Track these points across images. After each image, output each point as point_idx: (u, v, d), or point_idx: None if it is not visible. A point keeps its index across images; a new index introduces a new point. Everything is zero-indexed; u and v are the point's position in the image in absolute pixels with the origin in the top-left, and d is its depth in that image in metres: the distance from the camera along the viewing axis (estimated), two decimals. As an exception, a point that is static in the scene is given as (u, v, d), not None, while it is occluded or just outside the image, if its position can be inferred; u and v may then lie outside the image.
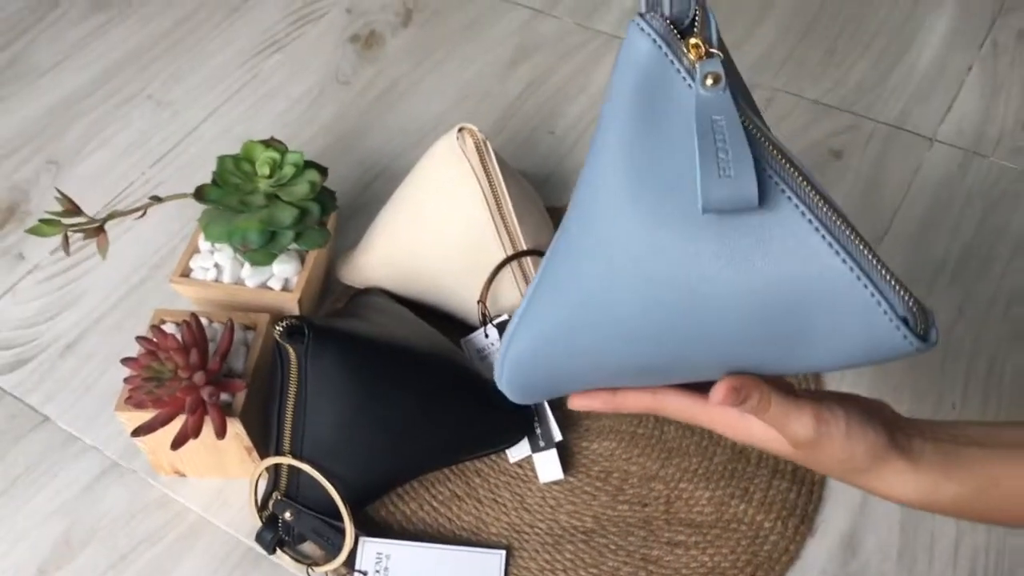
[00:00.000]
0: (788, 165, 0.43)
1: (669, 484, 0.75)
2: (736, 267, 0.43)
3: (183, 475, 0.78)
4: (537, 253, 0.80)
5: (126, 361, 0.69)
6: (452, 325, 0.81)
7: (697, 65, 0.43)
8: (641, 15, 0.43)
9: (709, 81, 0.43)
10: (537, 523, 0.74)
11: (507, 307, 0.79)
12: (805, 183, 0.43)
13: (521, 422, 0.75)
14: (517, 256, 0.78)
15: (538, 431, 0.75)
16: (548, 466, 0.75)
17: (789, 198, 0.43)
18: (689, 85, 0.43)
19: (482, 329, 0.78)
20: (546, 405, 0.76)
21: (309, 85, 1.10)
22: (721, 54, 0.43)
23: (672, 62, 0.43)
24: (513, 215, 0.78)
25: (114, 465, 0.79)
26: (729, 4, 1.15)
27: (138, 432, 0.68)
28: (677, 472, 0.76)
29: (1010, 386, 0.80)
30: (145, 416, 0.68)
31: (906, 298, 0.43)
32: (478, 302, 0.78)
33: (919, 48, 1.08)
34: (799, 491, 0.74)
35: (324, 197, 0.80)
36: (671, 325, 0.45)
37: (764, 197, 0.43)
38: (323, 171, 0.80)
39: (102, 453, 0.80)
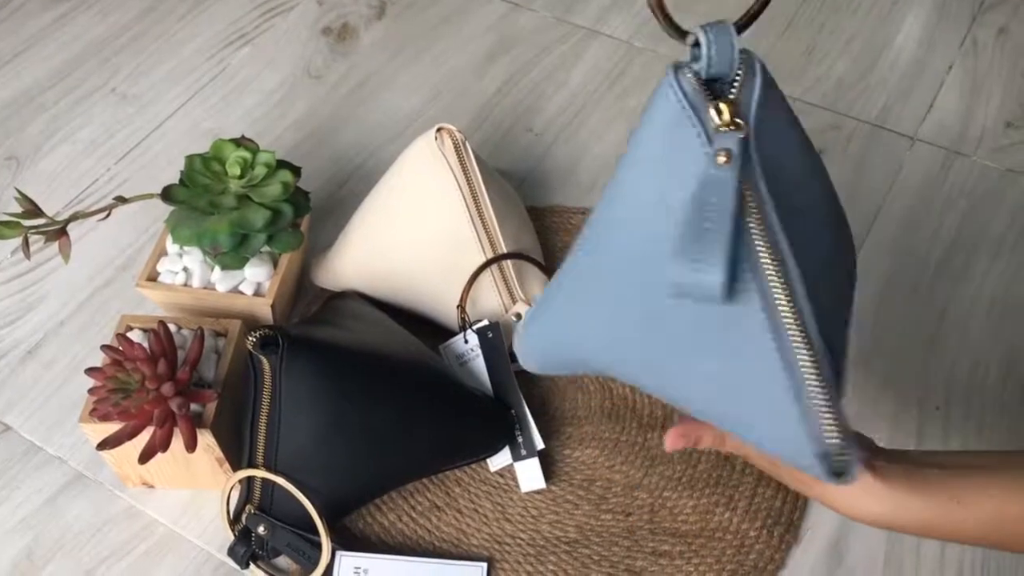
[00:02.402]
0: (776, 272, 0.41)
1: (653, 493, 0.74)
2: (699, 334, 0.43)
3: (151, 486, 0.75)
4: (518, 256, 0.78)
5: (91, 371, 0.66)
6: (430, 330, 0.79)
7: (721, 131, 0.40)
8: (677, 67, 0.41)
9: (721, 159, 0.40)
10: (519, 534, 0.72)
11: (487, 312, 0.77)
12: (785, 294, 0.41)
13: (502, 430, 0.74)
14: (497, 259, 0.76)
15: (520, 439, 0.74)
16: (530, 475, 0.74)
17: (760, 306, 0.41)
18: (705, 152, 0.41)
19: (461, 335, 0.76)
20: (528, 414, 0.74)
21: (280, 79, 1.07)
22: (739, 131, 0.40)
23: (693, 125, 0.41)
24: (493, 217, 0.76)
25: (79, 476, 0.76)
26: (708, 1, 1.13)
27: (104, 445, 0.65)
28: (661, 480, 0.74)
29: (993, 387, 0.80)
30: (111, 428, 0.66)
31: (832, 439, 0.42)
32: (457, 307, 0.76)
33: (899, 46, 1.07)
34: (784, 499, 0.73)
35: (297, 198, 0.78)
36: (650, 356, 0.46)
37: (734, 295, 0.41)
38: (296, 171, 0.77)
39: (66, 463, 0.77)
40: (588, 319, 0.48)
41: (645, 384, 0.49)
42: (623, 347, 0.47)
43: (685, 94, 0.41)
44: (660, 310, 0.43)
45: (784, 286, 0.41)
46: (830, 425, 0.42)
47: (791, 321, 0.41)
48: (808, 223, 0.44)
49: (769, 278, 0.41)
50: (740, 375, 0.43)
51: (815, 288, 0.42)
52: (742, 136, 0.40)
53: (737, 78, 0.41)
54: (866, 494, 0.51)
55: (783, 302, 0.41)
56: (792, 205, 0.42)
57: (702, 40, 0.40)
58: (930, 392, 0.80)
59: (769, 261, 0.41)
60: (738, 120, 0.40)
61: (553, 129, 1.01)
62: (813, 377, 0.41)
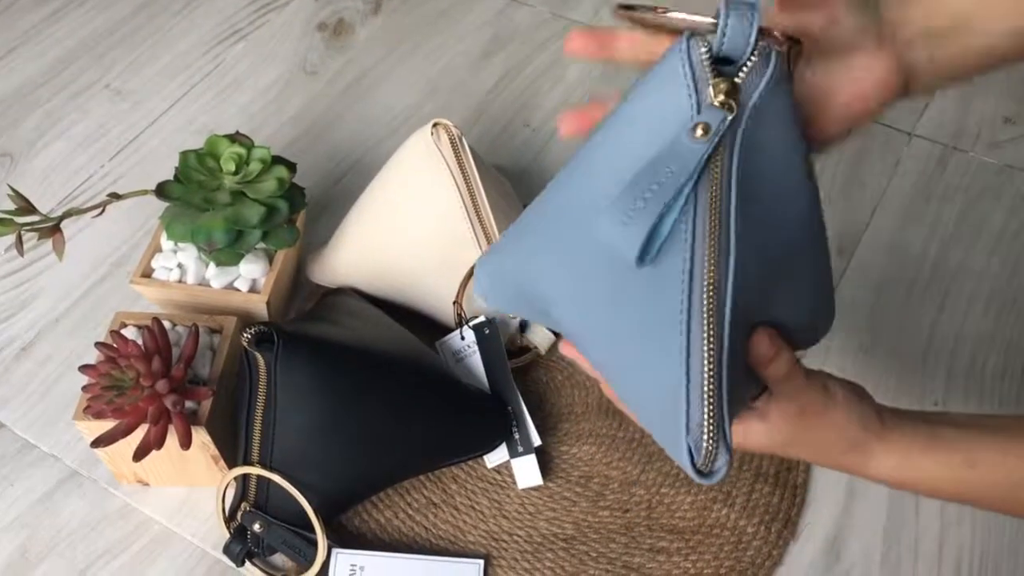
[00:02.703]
0: (712, 262, 0.40)
1: (650, 489, 0.73)
2: (621, 293, 0.43)
3: (146, 484, 0.75)
4: (514, 252, 0.77)
5: (84, 368, 0.66)
6: (426, 326, 0.78)
7: (713, 107, 0.40)
8: (691, 35, 0.41)
9: (699, 131, 0.40)
10: (516, 531, 0.72)
11: (483, 308, 0.77)
12: (711, 288, 0.40)
13: (499, 427, 0.73)
14: (494, 255, 0.76)
15: (516, 436, 0.73)
16: (527, 472, 0.73)
17: (682, 288, 0.40)
18: (689, 121, 0.40)
19: (458, 331, 0.76)
20: (525, 410, 0.74)
21: (275, 75, 1.06)
22: (729, 112, 0.40)
23: (690, 94, 0.41)
24: (489, 213, 0.76)
25: (73, 474, 0.76)
26: (705, -6, 1.13)
27: (98, 443, 0.65)
28: (659, 476, 0.74)
29: (991, 383, 0.80)
30: (106, 426, 0.65)
31: (705, 437, 0.41)
32: (453, 303, 0.76)
33: (897, 40, 1.07)
34: (782, 495, 0.73)
35: (293, 194, 0.77)
36: (580, 306, 0.46)
37: (658, 263, 0.41)
38: (291, 167, 0.77)
39: (61, 461, 0.77)
40: (542, 255, 0.46)
41: (574, 336, 0.48)
42: (563, 290, 0.46)
43: (691, 62, 0.41)
44: (599, 258, 0.43)
45: (714, 282, 0.40)
46: (710, 424, 0.41)
47: (709, 314, 0.40)
48: (770, 238, 0.43)
49: (705, 264, 0.40)
50: (645, 348, 0.42)
51: (746, 303, 0.41)
52: (730, 117, 0.40)
53: (749, 63, 0.40)
54: (883, 455, 0.49)
55: (709, 294, 0.40)
56: (760, 210, 0.42)
57: (721, 13, 0.40)
58: (928, 387, 0.79)
59: (709, 249, 0.40)
60: (731, 102, 0.40)
61: (550, 125, 1.00)
62: (709, 373, 0.40)
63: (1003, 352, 0.81)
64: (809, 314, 0.49)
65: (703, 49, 0.40)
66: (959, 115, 0.99)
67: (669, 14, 0.43)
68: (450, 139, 0.75)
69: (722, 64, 0.41)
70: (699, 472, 0.41)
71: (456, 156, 0.75)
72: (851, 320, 0.84)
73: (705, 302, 0.40)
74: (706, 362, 0.40)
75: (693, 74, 0.40)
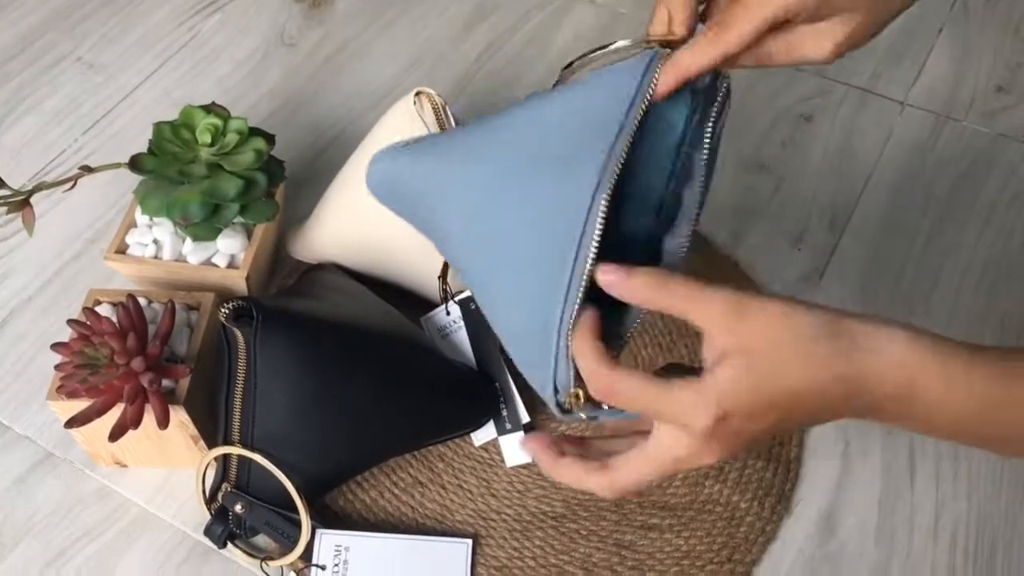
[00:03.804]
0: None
1: (642, 465, 0.72)
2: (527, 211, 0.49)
3: (124, 465, 0.73)
4: (501, 224, 0.75)
5: (57, 347, 0.64)
6: (411, 302, 0.76)
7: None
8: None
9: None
10: (505, 509, 0.70)
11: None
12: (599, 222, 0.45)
13: (486, 404, 0.72)
14: (480, 228, 0.74)
15: (504, 413, 0.72)
16: (515, 449, 0.72)
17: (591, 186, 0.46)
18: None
19: (443, 306, 0.74)
20: (512, 386, 0.72)
21: (252, 47, 1.03)
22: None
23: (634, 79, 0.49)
24: (475, 184, 0.74)
25: (48, 455, 0.74)
26: None
27: (72, 423, 0.63)
28: (650, 452, 0.72)
29: (985, 356, 0.78)
30: (80, 405, 0.63)
31: (572, 377, 0.46)
32: (438, 278, 0.74)
33: (888, 9, 1.05)
34: (775, 470, 0.72)
35: (271, 166, 0.75)
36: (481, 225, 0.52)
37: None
38: (269, 138, 0.75)
39: (35, 443, 0.75)
40: (458, 169, 0.53)
41: (460, 260, 0.54)
42: (467, 209, 0.52)
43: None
44: (519, 177, 0.50)
45: (602, 213, 0.45)
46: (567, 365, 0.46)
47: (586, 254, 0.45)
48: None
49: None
50: (534, 276, 0.47)
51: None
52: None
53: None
54: (957, 393, 0.39)
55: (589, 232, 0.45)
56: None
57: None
58: (922, 360, 0.78)
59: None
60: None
61: (536, 96, 0.98)
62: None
63: (998, 323, 0.80)
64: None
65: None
66: (952, 84, 0.98)
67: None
68: (433, 108, 0.73)
69: None
70: (562, 410, 0.47)
71: (440, 126, 0.73)
72: (843, 294, 0.82)
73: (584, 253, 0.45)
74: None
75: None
